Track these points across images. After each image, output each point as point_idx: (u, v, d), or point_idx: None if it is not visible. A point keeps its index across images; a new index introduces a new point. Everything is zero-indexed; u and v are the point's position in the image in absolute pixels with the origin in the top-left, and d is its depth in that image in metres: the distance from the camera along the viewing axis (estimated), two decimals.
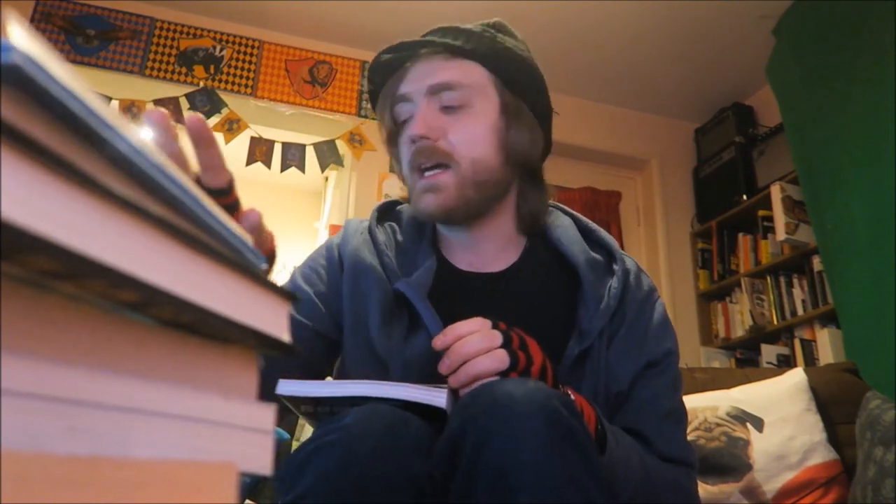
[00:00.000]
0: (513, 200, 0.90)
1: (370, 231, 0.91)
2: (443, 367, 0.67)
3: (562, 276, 0.88)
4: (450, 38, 0.85)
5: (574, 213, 0.97)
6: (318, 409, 0.68)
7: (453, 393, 0.67)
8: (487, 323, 0.70)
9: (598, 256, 0.89)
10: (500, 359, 0.67)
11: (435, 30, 0.87)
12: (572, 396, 0.69)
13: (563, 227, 0.92)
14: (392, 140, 0.90)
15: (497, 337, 0.68)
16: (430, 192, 0.83)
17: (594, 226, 0.94)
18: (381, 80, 0.90)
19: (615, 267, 0.87)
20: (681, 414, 0.85)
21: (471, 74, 0.84)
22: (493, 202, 0.87)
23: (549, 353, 0.80)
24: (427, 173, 0.83)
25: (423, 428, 0.64)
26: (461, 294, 0.87)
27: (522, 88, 0.87)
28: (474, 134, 0.83)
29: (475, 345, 0.67)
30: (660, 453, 0.78)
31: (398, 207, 0.98)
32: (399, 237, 0.93)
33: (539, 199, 0.92)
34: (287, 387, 0.65)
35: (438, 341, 0.69)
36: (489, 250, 0.90)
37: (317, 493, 0.57)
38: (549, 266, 0.89)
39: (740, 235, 3.19)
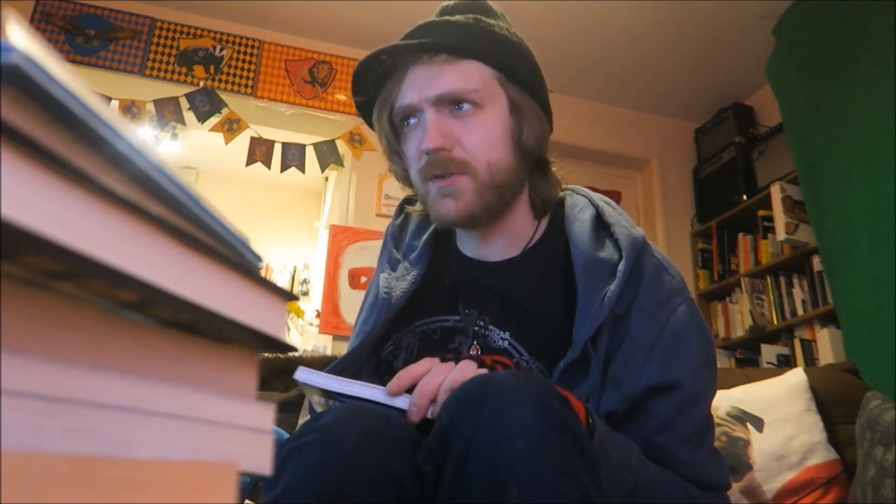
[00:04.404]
0: (526, 193, 0.88)
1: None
2: (414, 416, 0.65)
3: (567, 275, 0.83)
4: (447, 37, 0.81)
5: (601, 203, 0.88)
6: (330, 401, 0.69)
7: None
8: (434, 360, 0.68)
9: (607, 256, 0.81)
10: (468, 365, 0.66)
11: (423, 28, 0.83)
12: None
13: (580, 220, 0.86)
14: (393, 150, 0.88)
15: (449, 365, 0.67)
16: (449, 197, 0.80)
17: (617, 218, 0.85)
18: (374, 87, 0.86)
19: (619, 268, 0.78)
20: (702, 431, 0.76)
21: (475, 76, 0.80)
22: (513, 198, 0.85)
23: (542, 356, 0.79)
24: (441, 179, 0.80)
25: (403, 426, 0.64)
26: (463, 280, 0.87)
27: (524, 79, 0.84)
28: (489, 138, 0.80)
29: (434, 378, 0.65)
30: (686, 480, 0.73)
31: (406, 209, 0.99)
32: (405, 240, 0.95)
33: (548, 184, 0.89)
34: (303, 374, 0.67)
35: (394, 386, 0.67)
36: (497, 242, 0.89)
37: (295, 493, 0.57)
38: (554, 262, 0.86)
39: (740, 235, 3.19)
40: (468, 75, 0.80)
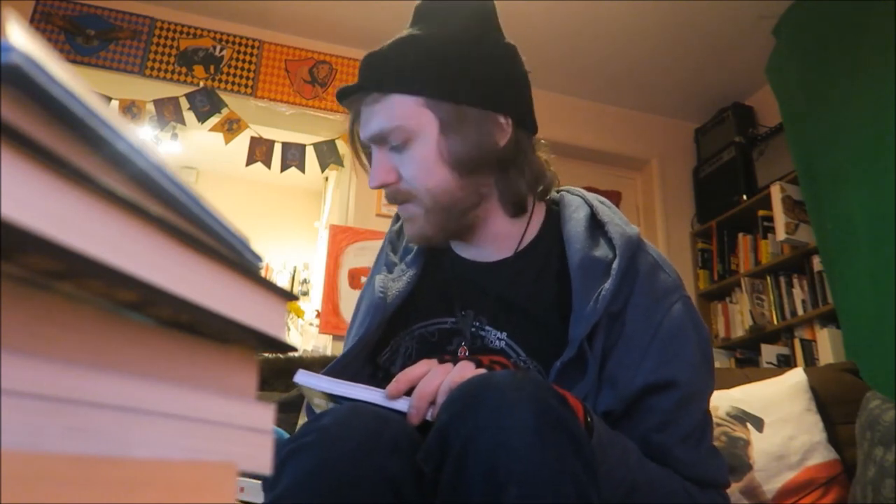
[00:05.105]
0: (495, 197, 0.87)
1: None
2: (413, 419, 0.65)
3: (562, 275, 0.83)
4: (374, 73, 0.82)
5: (595, 202, 0.89)
6: (330, 403, 0.70)
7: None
8: (433, 362, 0.69)
9: (601, 255, 0.81)
10: (466, 366, 0.66)
11: (363, 63, 0.84)
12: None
13: (575, 220, 0.86)
14: None
15: (447, 366, 0.67)
16: (407, 221, 0.86)
17: (611, 217, 0.86)
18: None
19: (613, 267, 0.79)
20: (701, 428, 0.76)
21: (398, 111, 0.80)
22: (470, 213, 0.85)
23: (539, 355, 0.79)
24: (399, 206, 0.86)
25: (403, 427, 0.64)
26: (458, 282, 0.88)
27: (455, 88, 0.81)
28: (421, 167, 0.81)
29: (433, 380, 0.66)
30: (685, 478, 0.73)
31: None
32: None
33: (521, 177, 0.86)
34: (304, 378, 0.67)
35: (392, 389, 0.67)
36: (485, 246, 0.89)
37: (295, 494, 0.57)
38: (549, 262, 0.86)
39: (740, 235, 3.19)
40: (391, 112, 0.81)
